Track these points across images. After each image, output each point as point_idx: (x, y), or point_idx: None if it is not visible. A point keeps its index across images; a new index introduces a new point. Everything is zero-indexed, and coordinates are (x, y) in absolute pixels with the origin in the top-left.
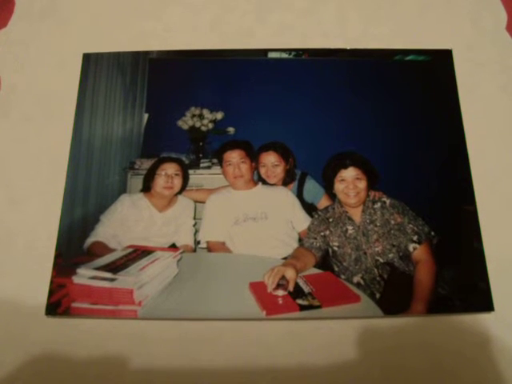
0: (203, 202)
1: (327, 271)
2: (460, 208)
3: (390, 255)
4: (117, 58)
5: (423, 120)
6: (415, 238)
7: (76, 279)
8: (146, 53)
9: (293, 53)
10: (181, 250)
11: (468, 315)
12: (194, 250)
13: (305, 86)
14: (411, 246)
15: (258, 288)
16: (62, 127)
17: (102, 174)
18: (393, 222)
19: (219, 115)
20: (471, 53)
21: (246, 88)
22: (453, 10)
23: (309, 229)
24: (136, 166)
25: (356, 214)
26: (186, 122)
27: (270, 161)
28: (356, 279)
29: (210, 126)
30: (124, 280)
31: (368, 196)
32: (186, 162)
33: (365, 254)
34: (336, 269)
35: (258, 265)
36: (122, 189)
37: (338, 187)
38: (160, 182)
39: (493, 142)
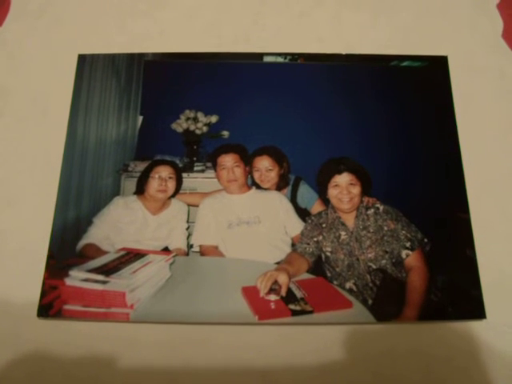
0: (196, 206)
1: (320, 276)
2: (453, 215)
3: (383, 261)
4: (112, 60)
5: (418, 126)
6: (408, 244)
7: (68, 281)
8: (141, 55)
9: (288, 57)
10: (173, 254)
11: (460, 322)
12: (187, 254)
13: (300, 91)
14: (404, 253)
15: (250, 292)
16: (56, 128)
17: (95, 176)
18: (386, 228)
19: (214, 118)
20: (467, 59)
21: (241, 92)
22: (449, 16)
23: (302, 234)
24: (130, 169)
25: (349, 220)
26: (181, 125)
27: (264, 165)
28: (348, 285)
29: (205, 129)
30: (116, 283)
31: (361, 202)
32: (180, 165)
33: (357, 259)
34: (329, 274)
35: (251, 269)
36: (116, 191)
37: (332, 192)
38: (154, 184)
39: (487, 149)
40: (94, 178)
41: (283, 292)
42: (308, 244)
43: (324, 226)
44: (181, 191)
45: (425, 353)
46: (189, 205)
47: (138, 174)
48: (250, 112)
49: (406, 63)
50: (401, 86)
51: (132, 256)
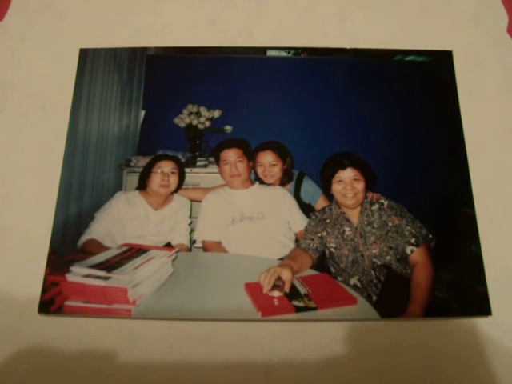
0: (199, 201)
1: (324, 273)
2: (458, 211)
3: (388, 257)
4: (114, 54)
5: (422, 121)
6: (413, 240)
7: (70, 277)
8: (144, 49)
9: (292, 51)
10: (176, 249)
11: (465, 319)
12: (190, 250)
13: (303, 85)
14: (409, 249)
15: (253, 289)
16: (58, 123)
17: (97, 171)
18: (390, 223)
19: (216, 113)
20: (472, 54)
21: (244, 86)
22: (454, 10)
23: (306, 229)
24: (132, 164)
25: (353, 216)
26: (183, 120)
27: (268, 160)
28: (353, 281)
29: (207, 124)
30: (118, 279)
31: (366, 197)
32: (183, 160)
33: (362, 255)
34: (333, 270)
35: (254, 265)
36: (118, 186)
37: (336, 188)
38: (156, 179)
39: (492, 144)
40: (96, 173)
41: (287, 288)
42: (312, 240)
43: (328, 221)
44: (183, 186)
45: (430, 349)
46: (191, 200)
47: (140, 169)
48: (253, 107)
49: (410, 58)
50: (405, 80)
51: (134, 252)
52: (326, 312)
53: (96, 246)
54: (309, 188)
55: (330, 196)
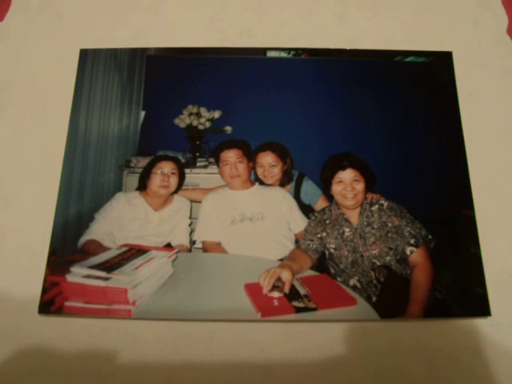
0: (199, 202)
1: (323, 273)
2: (458, 212)
3: (387, 258)
4: (114, 55)
5: (422, 122)
6: (412, 241)
7: (70, 278)
8: (144, 49)
9: (292, 52)
10: (176, 250)
11: (464, 320)
12: (190, 250)
13: (303, 86)
14: (408, 250)
15: (253, 289)
16: (58, 123)
17: (97, 172)
18: (390, 224)
19: (217, 114)
20: (471, 55)
21: (245, 87)
22: (453, 12)
23: (305, 230)
24: (132, 164)
25: (353, 216)
26: (183, 120)
27: (268, 161)
28: (352, 282)
29: (208, 124)
30: (118, 279)
31: (365, 198)
32: (183, 160)
33: (362, 256)
34: (332, 271)
35: (254, 266)
36: (118, 187)
37: (336, 189)
38: (156, 180)
39: (492, 145)
40: (96, 174)
41: (286, 289)
42: (312, 240)
43: (328, 222)
44: (183, 187)
45: (429, 350)
46: (191, 201)
47: (141, 170)
48: (253, 107)
49: (410, 59)
50: (405, 81)
51: (134, 252)
52: (325, 312)
53: (96, 247)
54: (309, 189)
55: (329, 197)
